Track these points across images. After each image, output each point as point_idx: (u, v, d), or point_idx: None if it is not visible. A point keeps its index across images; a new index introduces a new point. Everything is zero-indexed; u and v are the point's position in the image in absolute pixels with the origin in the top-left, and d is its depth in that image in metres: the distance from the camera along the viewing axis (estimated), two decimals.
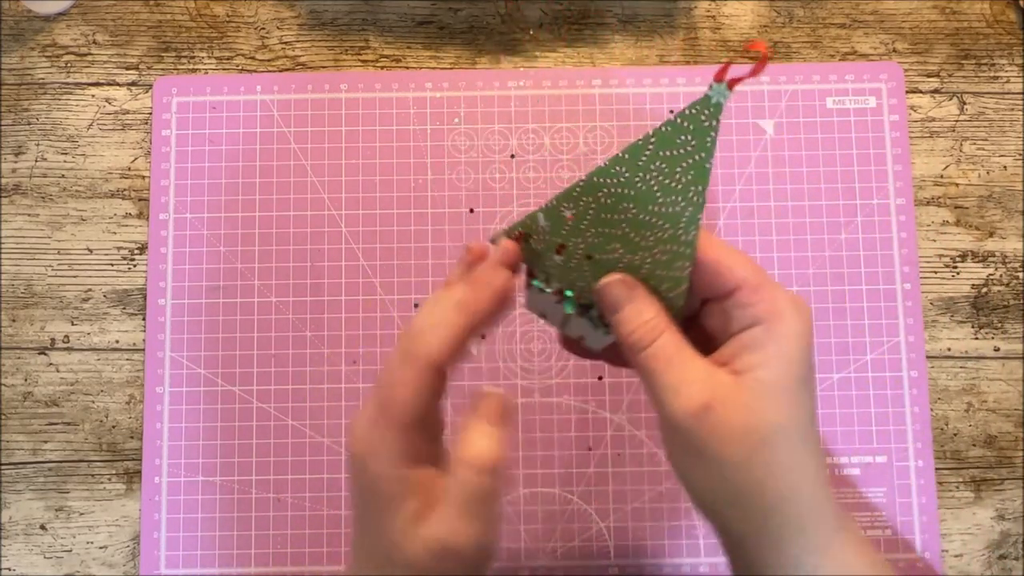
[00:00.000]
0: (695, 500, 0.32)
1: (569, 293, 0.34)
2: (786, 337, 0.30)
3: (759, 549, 0.30)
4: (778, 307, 0.30)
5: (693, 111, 0.29)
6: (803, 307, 0.31)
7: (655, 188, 0.30)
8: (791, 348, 0.30)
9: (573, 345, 0.36)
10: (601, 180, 0.31)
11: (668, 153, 0.29)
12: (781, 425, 0.29)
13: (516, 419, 0.32)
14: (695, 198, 0.30)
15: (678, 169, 0.29)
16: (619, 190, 0.30)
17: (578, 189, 0.31)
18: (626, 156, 0.30)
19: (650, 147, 0.29)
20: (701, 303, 0.33)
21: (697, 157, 0.29)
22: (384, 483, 0.30)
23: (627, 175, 0.30)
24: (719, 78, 0.28)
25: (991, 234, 0.50)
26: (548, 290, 0.34)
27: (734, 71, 0.28)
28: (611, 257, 0.32)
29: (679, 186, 0.30)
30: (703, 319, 0.33)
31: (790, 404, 0.30)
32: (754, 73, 0.28)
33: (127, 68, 0.51)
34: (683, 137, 0.29)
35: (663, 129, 0.29)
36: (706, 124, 0.29)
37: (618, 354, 0.34)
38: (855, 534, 0.31)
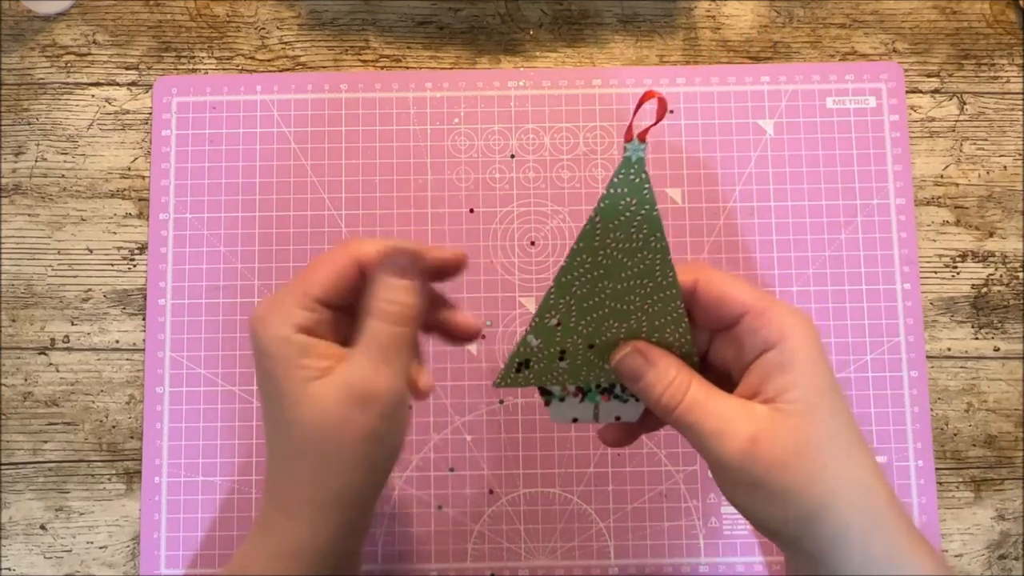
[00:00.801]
0: (765, 531, 0.32)
1: (587, 386, 0.34)
2: (802, 351, 0.31)
3: (844, 559, 0.30)
4: (785, 324, 0.31)
5: (621, 176, 0.30)
6: (806, 317, 0.32)
7: (620, 257, 0.31)
8: (811, 360, 0.31)
9: (614, 436, 0.36)
10: (569, 277, 0.32)
11: (617, 222, 0.31)
12: (830, 436, 0.30)
13: (426, 265, 0.34)
14: (657, 244, 0.31)
15: (632, 229, 0.31)
16: (589, 275, 0.32)
17: (552, 296, 0.32)
18: (581, 244, 0.31)
19: (598, 225, 0.31)
20: (709, 341, 0.33)
21: (643, 211, 0.30)
22: (277, 344, 0.31)
23: (590, 260, 0.31)
24: (628, 138, 0.30)
25: (991, 234, 0.50)
26: (567, 396, 0.35)
27: (639, 127, 0.30)
28: (610, 335, 0.33)
29: (640, 243, 0.31)
30: (715, 357, 0.33)
31: (831, 414, 0.31)
32: (657, 122, 0.30)
33: (127, 68, 0.51)
34: (624, 201, 0.30)
35: (602, 204, 0.30)
36: (636, 180, 0.30)
37: (655, 419, 0.35)
38: (916, 528, 0.31)
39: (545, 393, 0.35)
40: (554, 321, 0.33)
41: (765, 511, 0.30)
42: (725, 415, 0.30)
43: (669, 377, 0.31)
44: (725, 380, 0.32)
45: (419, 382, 0.34)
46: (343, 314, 0.33)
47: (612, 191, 0.30)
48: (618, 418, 0.35)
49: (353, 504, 0.33)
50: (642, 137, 0.30)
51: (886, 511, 0.30)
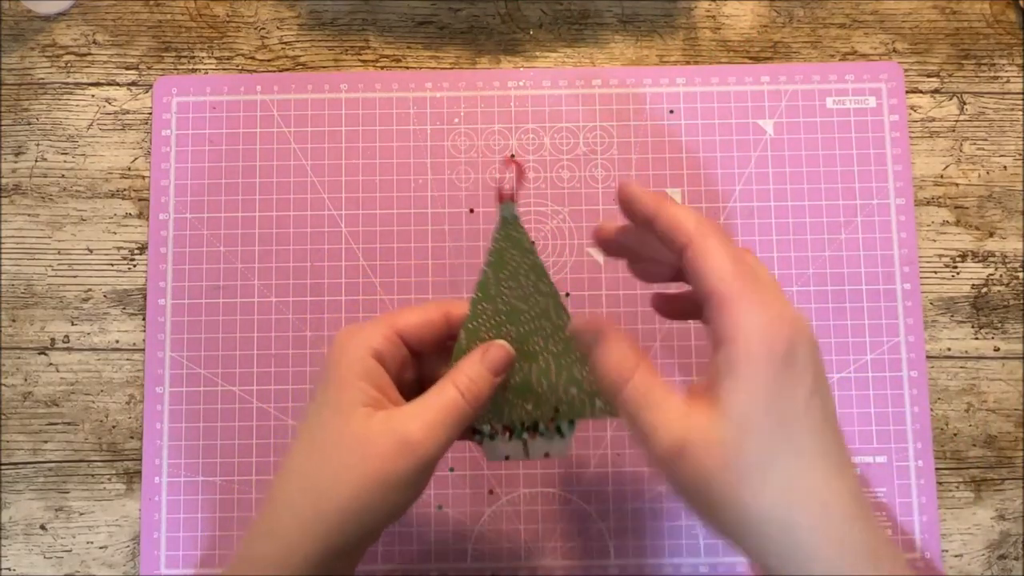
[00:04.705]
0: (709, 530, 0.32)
1: (513, 425, 0.36)
2: (751, 357, 0.28)
3: (790, 569, 0.28)
4: (741, 323, 0.28)
5: (501, 233, 0.35)
6: (777, 316, 0.28)
7: (515, 301, 0.35)
8: (761, 368, 0.28)
9: (667, 309, 0.37)
10: (475, 324, 0.35)
11: (507, 272, 0.35)
12: (760, 461, 0.28)
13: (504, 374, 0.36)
14: (546, 289, 0.35)
15: (521, 276, 0.35)
16: (493, 321, 0.35)
17: (463, 342, 0.35)
18: (480, 294, 0.35)
19: (491, 276, 0.35)
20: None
21: (527, 260, 0.35)
22: (349, 359, 0.33)
23: (491, 307, 0.35)
24: (501, 199, 0.34)
25: (991, 234, 0.50)
26: (496, 434, 0.36)
27: (507, 191, 0.34)
28: (522, 376, 0.35)
29: (531, 288, 0.35)
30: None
31: (777, 424, 0.28)
32: (519, 185, 0.34)
33: (127, 68, 0.51)
34: (509, 253, 0.35)
35: (491, 259, 0.35)
36: (515, 234, 0.35)
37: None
38: (891, 559, 0.29)
39: (476, 433, 0.36)
40: None
41: (698, 515, 0.30)
42: (661, 415, 0.29)
43: (622, 352, 0.31)
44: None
45: None
46: (414, 359, 0.36)
47: (496, 245, 0.35)
48: (547, 455, 0.36)
49: (338, 530, 0.32)
50: (512, 199, 0.34)
51: (843, 526, 0.28)
